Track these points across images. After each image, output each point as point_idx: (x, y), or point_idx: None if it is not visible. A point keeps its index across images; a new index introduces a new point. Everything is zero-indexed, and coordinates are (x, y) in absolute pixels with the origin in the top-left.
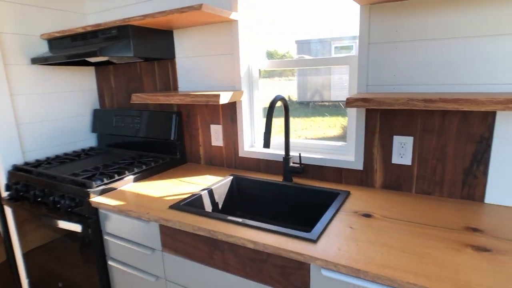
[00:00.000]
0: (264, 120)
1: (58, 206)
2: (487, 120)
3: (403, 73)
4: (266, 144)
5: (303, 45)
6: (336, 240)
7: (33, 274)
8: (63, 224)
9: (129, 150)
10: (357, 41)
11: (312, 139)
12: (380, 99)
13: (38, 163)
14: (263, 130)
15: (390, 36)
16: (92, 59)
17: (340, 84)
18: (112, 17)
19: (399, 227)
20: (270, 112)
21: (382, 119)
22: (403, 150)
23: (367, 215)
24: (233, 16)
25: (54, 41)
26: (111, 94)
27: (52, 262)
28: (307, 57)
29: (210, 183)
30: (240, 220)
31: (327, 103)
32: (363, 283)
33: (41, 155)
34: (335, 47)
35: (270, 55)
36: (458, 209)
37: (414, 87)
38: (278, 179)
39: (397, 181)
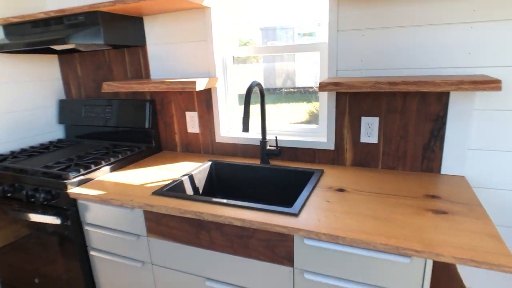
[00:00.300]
0: (239, 106)
1: (33, 200)
2: (442, 100)
3: (369, 59)
4: (246, 128)
5: (267, 32)
6: (316, 212)
7: (4, 274)
8: (40, 218)
9: (100, 140)
10: (319, 27)
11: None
12: (350, 82)
13: (2, 158)
14: (240, 115)
15: (357, 23)
16: (57, 47)
17: (305, 70)
18: (73, 2)
19: (369, 198)
20: (247, 98)
21: (351, 101)
22: (370, 129)
23: (341, 190)
24: (205, 2)
25: (10, 27)
26: (78, 84)
27: (26, 258)
28: (278, 43)
29: (190, 169)
30: (224, 200)
31: (293, 89)
32: (342, 248)
33: (4, 149)
34: (298, 34)
35: None
36: (419, 180)
37: (379, 71)
38: (256, 162)
39: (365, 158)
